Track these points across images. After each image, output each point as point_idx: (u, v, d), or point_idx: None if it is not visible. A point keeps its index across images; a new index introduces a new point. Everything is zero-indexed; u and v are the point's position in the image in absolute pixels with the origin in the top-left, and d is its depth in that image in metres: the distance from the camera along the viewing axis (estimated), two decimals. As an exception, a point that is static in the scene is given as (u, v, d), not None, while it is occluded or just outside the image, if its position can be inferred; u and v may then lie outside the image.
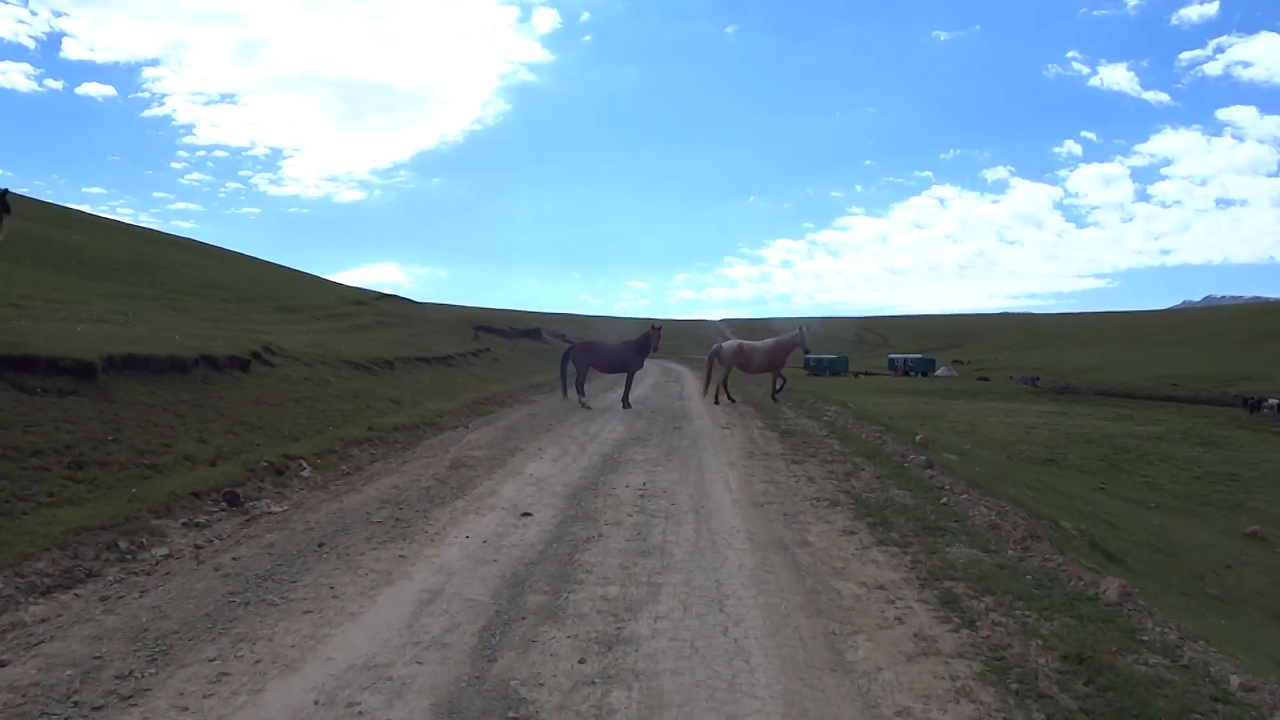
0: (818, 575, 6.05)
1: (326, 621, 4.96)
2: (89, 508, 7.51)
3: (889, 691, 4.19)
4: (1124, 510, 18.66)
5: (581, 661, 4.46)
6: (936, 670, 4.40)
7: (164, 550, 6.84)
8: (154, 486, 8.49)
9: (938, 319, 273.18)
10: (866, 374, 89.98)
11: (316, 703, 3.96)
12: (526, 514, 7.88)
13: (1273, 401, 53.86)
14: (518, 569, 6.11)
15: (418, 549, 6.58)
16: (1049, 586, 5.82)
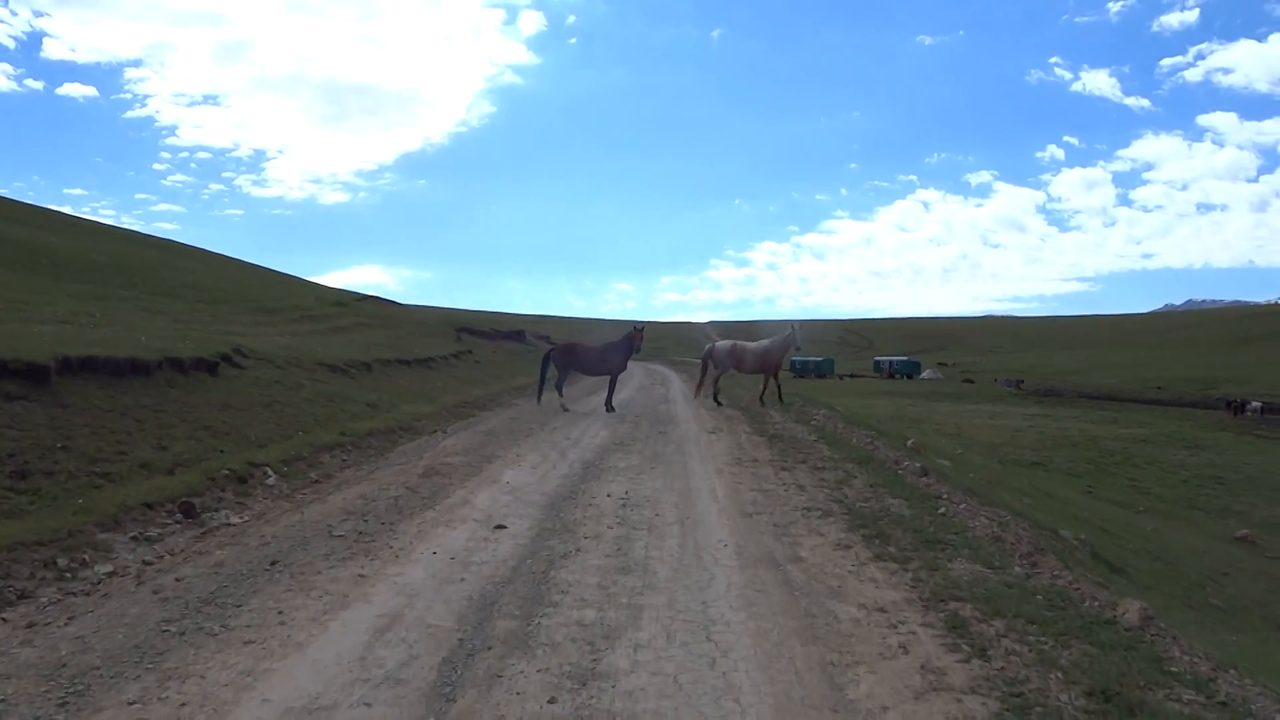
0: (812, 595, 5.58)
1: (269, 654, 4.45)
2: (29, 521, 6.99)
3: (897, 734, 3.73)
4: (1117, 516, 18.33)
5: (552, 701, 3.97)
6: (949, 710, 3.93)
7: (107, 568, 6.32)
8: (103, 497, 7.95)
9: (922, 321, 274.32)
10: (852, 376, 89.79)
11: (247, 754, 3.47)
12: (500, 526, 7.39)
13: (1256, 404, 54.05)
14: (487, 589, 5.62)
15: (380, 567, 6.08)
16: (1062, 608, 5.37)
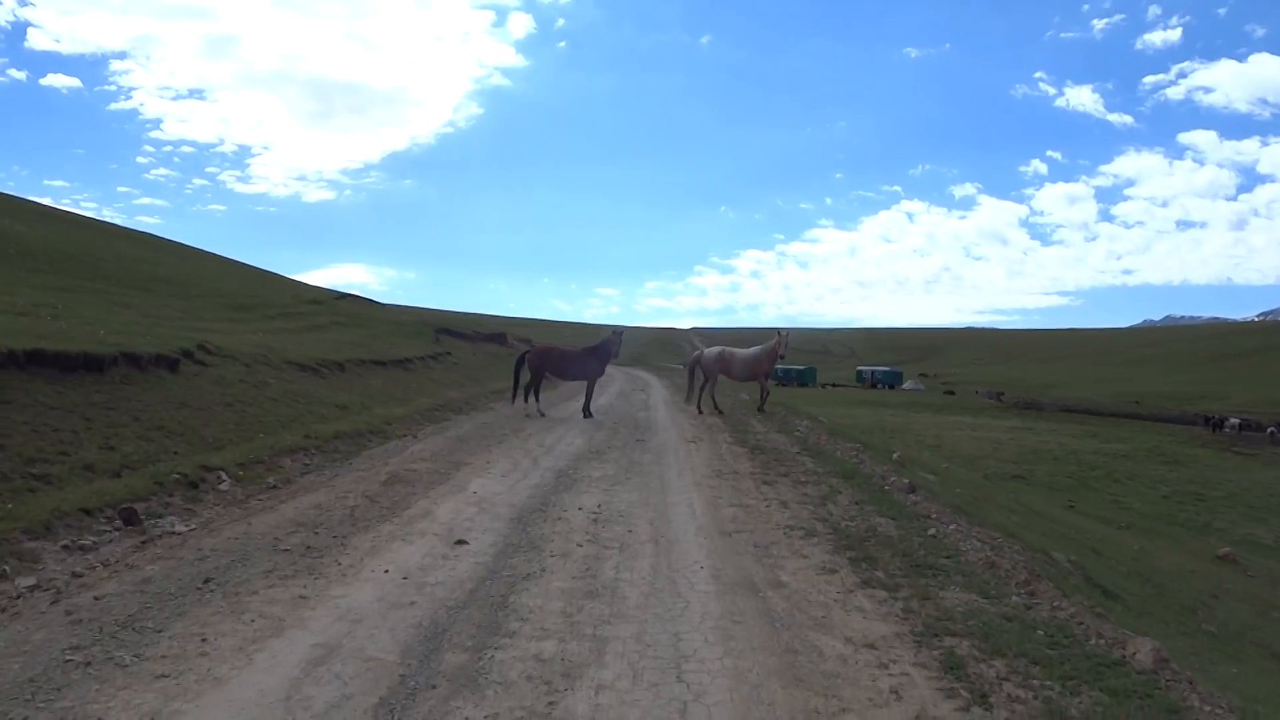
0: (795, 628, 5.11)
1: (182, 691, 3.93)
2: (-52, 528, 6.44)
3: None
4: (1104, 535, 18.00)
5: (498, 754, 3.49)
6: (949, 771, 3.47)
7: (30, 581, 5.77)
8: (37, 502, 7.40)
9: (904, 332, 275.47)
10: (834, 385, 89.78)
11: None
12: (461, 542, 6.88)
13: (1234, 421, 54.22)
14: (439, 615, 5.11)
15: (323, 587, 5.56)
16: (1066, 646, 4.93)
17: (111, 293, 27.36)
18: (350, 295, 65.79)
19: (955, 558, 6.84)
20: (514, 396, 18.57)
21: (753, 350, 20.09)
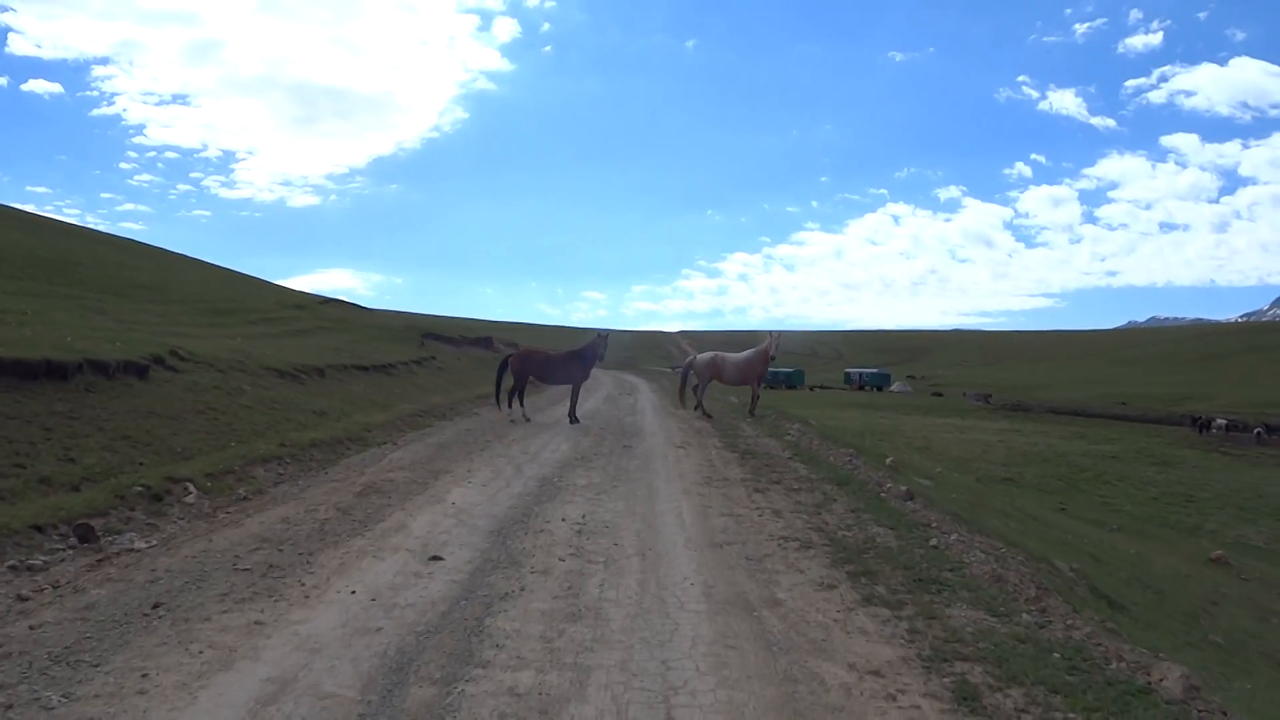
0: (793, 652, 4.72)
1: (111, 738, 3.52)
2: (-117, 548, 6.00)
3: None
4: (1099, 539, 17.70)
5: (465, 811, 3.08)
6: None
7: (-31, 605, 5.33)
8: (-15, 518, 6.96)
9: (891, 334, 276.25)
10: (822, 387, 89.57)
11: None
12: (436, 558, 6.46)
13: (1221, 422, 54.20)
14: (407, 642, 4.70)
15: (283, 611, 5.13)
16: (1086, 671, 4.56)
17: (87, 298, 26.86)
18: (335, 300, 65.31)
19: (960, 571, 6.47)
20: (498, 402, 18.16)
21: (745, 354, 19.84)
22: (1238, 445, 48.85)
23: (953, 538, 7.66)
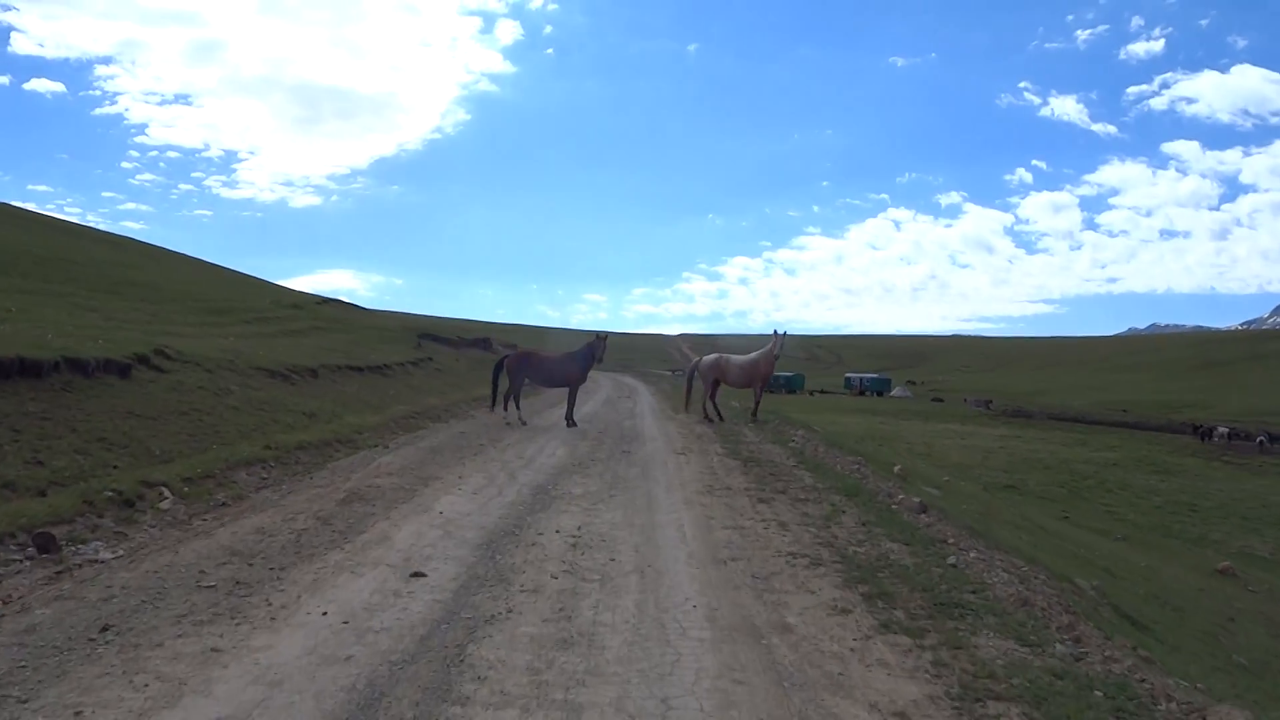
0: (808, 688, 4.26)
1: (26, 794, 3.06)
2: None
3: None
4: (1109, 551, 17.25)
5: None
6: None
7: (-94, 625, 4.86)
8: (-63, 526, 6.50)
9: (891, 339, 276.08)
10: (822, 392, 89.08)
11: None
12: (418, 574, 5.99)
13: (1223, 430, 53.77)
14: (379, 673, 4.23)
15: (245, 635, 4.66)
16: (1133, 714, 4.09)
17: (78, 296, 26.37)
18: (333, 300, 64.83)
19: (983, 593, 6.00)
20: (493, 404, 17.70)
21: (750, 356, 19.45)
22: (1240, 454, 48.45)
23: (971, 555, 7.20)
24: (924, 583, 6.15)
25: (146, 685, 3.97)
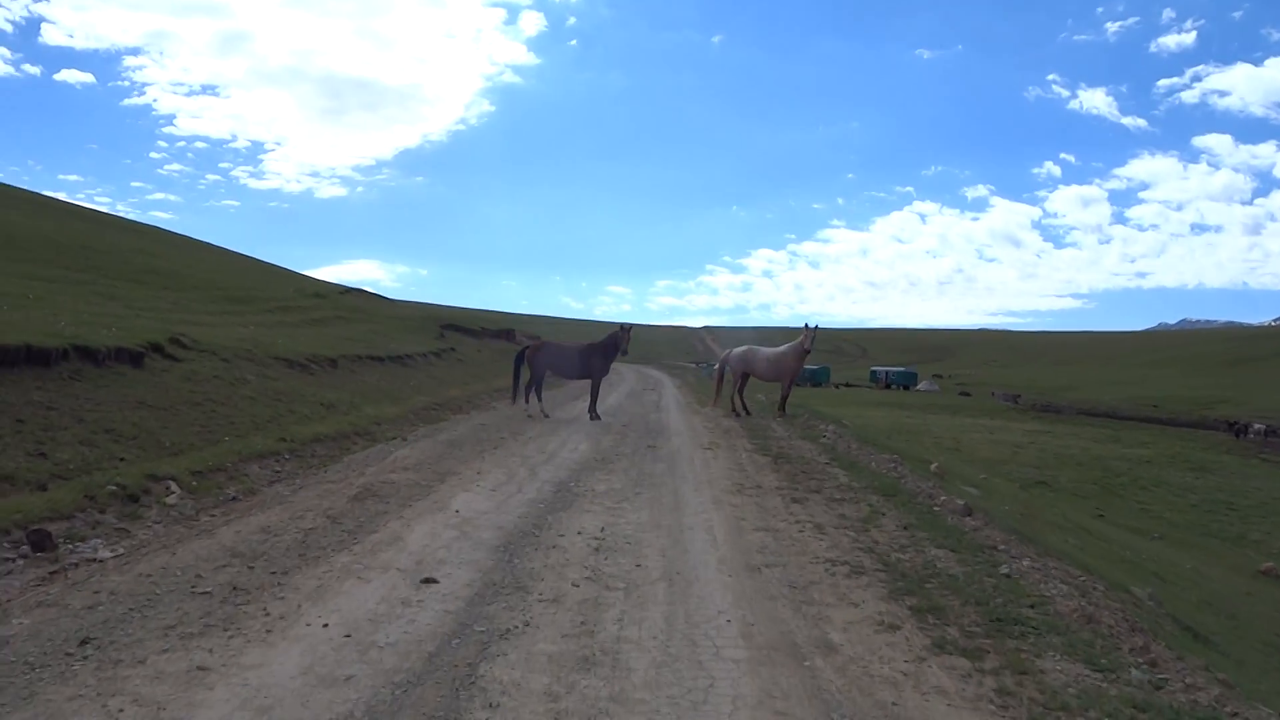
0: (860, 721, 3.79)
1: None
2: None
3: None
4: (1154, 552, 16.61)
5: None
6: None
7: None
8: (-73, 522, 6.17)
9: (917, 333, 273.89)
10: (848, 385, 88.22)
11: None
12: (430, 580, 5.57)
13: (1259, 427, 52.55)
14: (379, 697, 3.80)
15: (237, 650, 4.25)
16: (1235, 756, 3.60)
17: (98, 283, 26.20)
18: (356, 290, 64.72)
19: (1043, 608, 5.49)
20: (515, 396, 17.30)
21: (780, 349, 18.96)
22: (1277, 451, 47.30)
23: (1025, 563, 6.68)
24: (977, 595, 5.65)
25: (121, 710, 3.57)
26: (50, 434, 8.92)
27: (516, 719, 3.65)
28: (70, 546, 6.31)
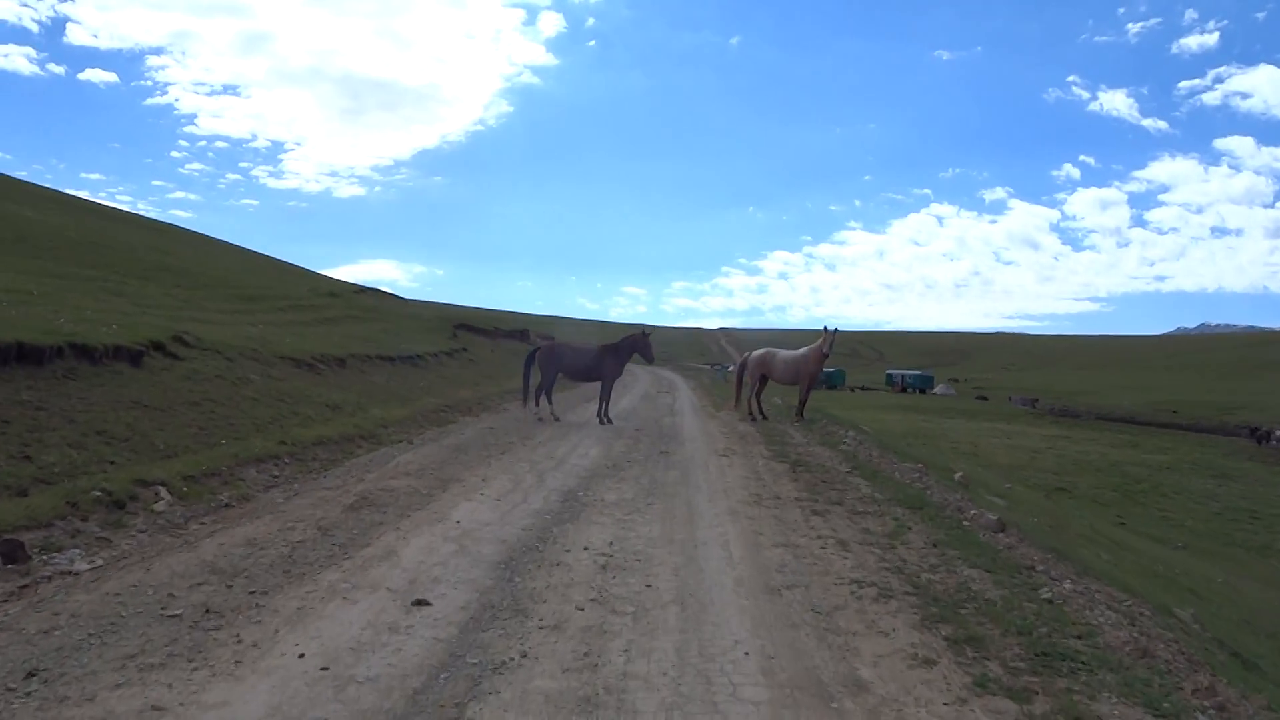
0: (898, 780, 3.32)
1: None
2: None
3: None
4: (1182, 563, 16.02)
5: None
6: None
7: None
8: (-107, 531, 5.79)
9: (933, 336, 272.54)
10: (863, 388, 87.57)
11: None
12: (422, 602, 5.13)
13: (1280, 434, 51.63)
14: (354, 746, 3.37)
15: (199, 686, 3.82)
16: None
17: (108, 280, 25.92)
18: (371, 289, 64.57)
19: (1092, 639, 5.00)
20: (525, 399, 16.86)
21: (798, 352, 18.48)
22: (1300, 459, 46.39)
23: (1066, 585, 6.17)
24: (1018, 624, 5.16)
25: (56, 761, 3.14)
26: (37, 435, 8.54)
27: (506, 775, 3.21)
28: (45, 558, 5.92)
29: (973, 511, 8.52)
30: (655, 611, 5.17)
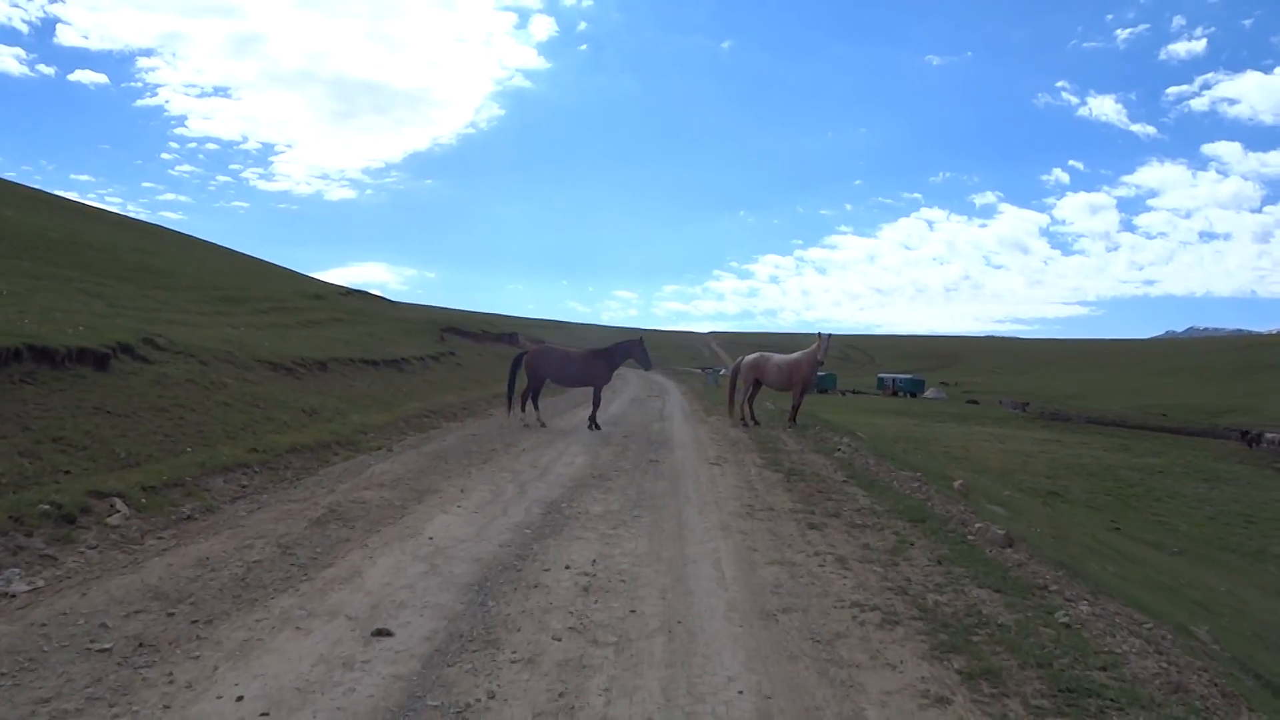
0: None
1: None
2: None
3: None
4: (1182, 572, 15.65)
5: None
6: None
7: None
8: None
9: (924, 340, 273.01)
10: (854, 392, 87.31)
11: None
12: (383, 632, 4.65)
13: (1272, 436, 51.49)
14: (287, 815, 2.91)
15: (117, 739, 3.35)
16: None
17: (85, 281, 25.33)
18: (358, 291, 63.98)
19: (1117, 670, 4.55)
20: (510, 405, 16.38)
21: (791, 356, 18.02)
22: (1292, 461, 46.24)
23: (1083, 607, 5.73)
24: (1035, 653, 4.71)
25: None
26: (-14, 444, 8.04)
27: None
28: (-19, 578, 5.43)
29: (978, 525, 8.07)
30: (640, 642, 4.71)
